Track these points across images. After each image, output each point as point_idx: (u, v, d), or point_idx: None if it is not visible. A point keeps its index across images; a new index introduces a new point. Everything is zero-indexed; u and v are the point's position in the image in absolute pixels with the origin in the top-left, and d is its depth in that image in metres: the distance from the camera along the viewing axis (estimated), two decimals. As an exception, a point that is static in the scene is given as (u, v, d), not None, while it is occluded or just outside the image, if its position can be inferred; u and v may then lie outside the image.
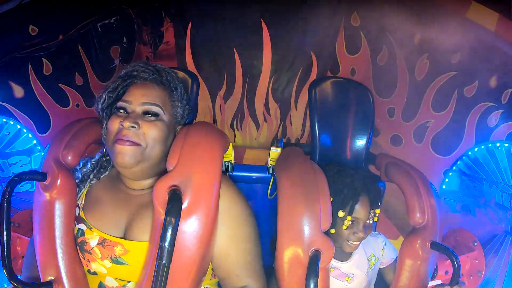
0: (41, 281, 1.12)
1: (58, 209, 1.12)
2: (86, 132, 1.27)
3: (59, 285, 1.11)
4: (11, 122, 1.89)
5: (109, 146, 1.14)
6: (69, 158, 1.19)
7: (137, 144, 1.11)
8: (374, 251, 1.49)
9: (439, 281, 1.50)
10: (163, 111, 1.17)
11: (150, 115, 1.15)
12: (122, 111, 1.15)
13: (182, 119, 1.26)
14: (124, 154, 1.09)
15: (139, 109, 1.15)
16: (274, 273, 1.23)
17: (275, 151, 1.68)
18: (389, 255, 1.50)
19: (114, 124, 1.12)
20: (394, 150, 2.51)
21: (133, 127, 1.10)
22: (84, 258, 1.15)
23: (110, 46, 2.65)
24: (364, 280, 1.47)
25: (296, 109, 3.25)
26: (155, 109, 1.16)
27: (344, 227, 1.32)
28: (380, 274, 1.55)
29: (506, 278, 1.74)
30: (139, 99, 1.15)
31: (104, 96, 1.17)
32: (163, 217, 0.99)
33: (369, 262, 1.48)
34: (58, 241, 1.11)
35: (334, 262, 1.42)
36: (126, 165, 1.10)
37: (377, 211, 1.34)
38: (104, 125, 1.20)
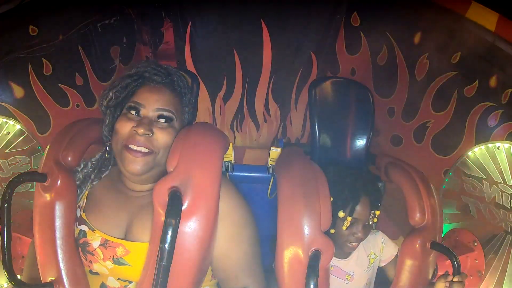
0: (42, 281, 1.12)
1: (59, 210, 1.13)
2: (86, 132, 1.27)
3: (60, 285, 1.11)
4: (11, 122, 1.89)
5: (118, 149, 1.13)
6: (69, 158, 1.19)
7: (149, 152, 1.11)
8: (374, 248, 1.49)
9: (439, 281, 1.50)
10: (175, 118, 1.17)
11: (163, 122, 1.15)
12: (133, 112, 1.14)
13: (187, 123, 1.26)
14: (136, 163, 1.09)
15: (152, 114, 1.14)
16: (274, 273, 1.23)
17: (275, 151, 1.68)
18: (389, 252, 1.50)
19: (125, 127, 1.11)
20: (394, 150, 2.51)
21: (147, 134, 1.10)
22: (86, 259, 1.15)
23: (110, 46, 2.64)
24: (364, 278, 1.47)
25: (296, 109, 3.24)
26: (169, 116, 1.15)
27: (344, 228, 1.32)
28: (379, 272, 1.55)
29: (506, 278, 1.74)
30: (153, 104, 1.14)
31: (111, 94, 1.16)
32: (163, 218, 0.99)
33: (369, 259, 1.48)
34: (58, 242, 1.11)
35: (333, 260, 1.42)
36: (137, 174, 1.11)
37: (377, 212, 1.34)
38: (106, 123, 1.19)
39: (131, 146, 1.09)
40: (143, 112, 1.13)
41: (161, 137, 1.12)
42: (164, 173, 1.17)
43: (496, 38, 1.80)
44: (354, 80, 2.23)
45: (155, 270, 0.92)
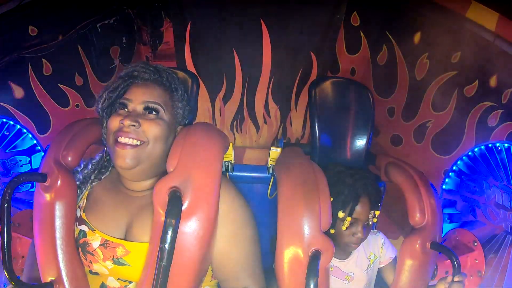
0: (42, 281, 1.12)
1: (59, 210, 1.13)
2: (86, 132, 1.27)
3: (60, 285, 1.11)
4: (11, 123, 1.89)
5: (110, 145, 1.14)
6: (69, 159, 1.19)
7: (138, 145, 1.11)
8: (373, 249, 1.49)
9: (439, 281, 1.49)
10: (164, 111, 1.17)
11: (150, 113, 1.15)
12: (122, 109, 1.15)
13: (183, 120, 1.26)
14: (125, 156, 1.09)
15: (139, 107, 1.15)
16: (274, 273, 1.23)
17: (275, 151, 1.68)
18: (387, 254, 1.50)
19: (114, 122, 1.12)
20: (394, 150, 2.51)
21: (133, 125, 1.10)
22: (86, 259, 1.15)
23: (109, 47, 2.65)
24: (363, 279, 1.47)
25: (296, 110, 3.24)
26: (156, 108, 1.16)
27: (344, 228, 1.32)
28: (380, 273, 1.55)
29: (506, 278, 1.74)
30: (139, 97, 1.15)
31: (104, 96, 1.17)
32: (163, 219, 0.99)
33: (369, 260, 1.48)
34: (58, 242, 1.11)
35: (333, 261, 1.42)
36: (126, 167, 1.10)
37: (377, 212, 1.34)
38: (104, 125, 1.20)
39: (120, 139, 1.10)
40: (130, 106, 1.15)
41: (148, 127, 1.12)
42: (157, 169, 1.18)
43: (496, 38, 1.80)
44: (354, 80, 2.22)
45: (155, 270, 0.92)
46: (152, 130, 1.13)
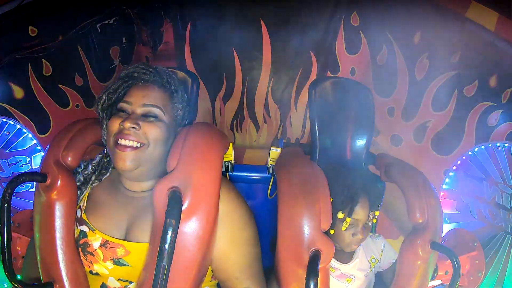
0: (42, 281, 1.12)
1: (59, 210, 1.13)
2: (86, 132, 1.27)
3: (60, 285, 1.11)
4: (11, 123, 1.89)
5: (110, 147, 1.14)
6: (69, 159, 1.19)
7: (138, 147, 1.11)
8: (374, 253, 1.49)
9: (439, 281, 1.50)
10: (164, 113, 1.17)
11: (150, 116, 1.15)
12: (122, 111, 1.15)
13: (183, 121, 1.27)
14: (125, 159, 1.09)
15: (139, 110, 1.15)
16: (274, 273, 1.23)
17: (275, 151, 1.68)
18: (387, 258, 1.50)
19: (114, 124, 1.13)
20: (394, 150, 2.51)
21: (133, 127, 1.10)
22: (86, 259, 1.15)
23: (109, 47, 2.65)
24: (364, 282, 1.46)
25: (296, 109, 3.24)
26: (156, 110, 1.16)
27: (343, 228, 1.32)
28: (378, 277, 1.55)
29: (506, 278, 1.74)
30: (139, 100, 1.15)
31: (104, 97, 1.18)
32: (163, 219, 0.99)
33: (370, 264, 1.48)
34: (58, 242, 1.11)
35: (335, 263, 1.42)
36: (127, 169, 1.11)
37: (376, 213, 1.34)
38: (104, 126, 1.20)
39: (120, 141, 1.10)
40: (130, 109, 1.15)
41: (149, 130, 1.13)
42: (157, 170, 1.18)
43: (496, 37, 1.80)
44: (354, 80, 2.23)
45: (155, 270, 0.92)
46: (152, 132, 1.13)
